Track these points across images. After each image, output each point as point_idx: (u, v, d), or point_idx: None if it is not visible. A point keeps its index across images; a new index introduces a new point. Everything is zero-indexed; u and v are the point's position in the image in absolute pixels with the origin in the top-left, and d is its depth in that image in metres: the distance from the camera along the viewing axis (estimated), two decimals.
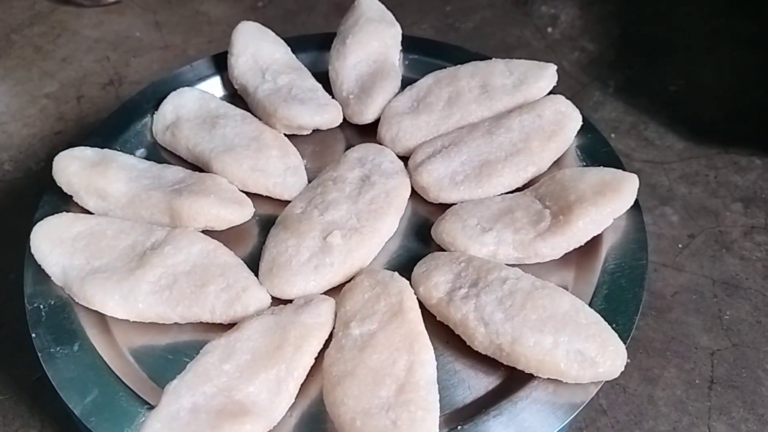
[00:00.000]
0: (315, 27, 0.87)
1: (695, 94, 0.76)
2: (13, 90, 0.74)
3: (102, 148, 0.60)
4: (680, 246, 0.63)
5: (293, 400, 0.46)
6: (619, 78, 0.78)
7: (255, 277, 0.53)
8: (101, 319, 0.51)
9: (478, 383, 0.48)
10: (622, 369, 0.45)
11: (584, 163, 0.60)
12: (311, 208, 0.56)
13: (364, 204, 0.56)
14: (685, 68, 0.79)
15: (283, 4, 0.81)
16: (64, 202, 0.57)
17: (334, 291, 0.52)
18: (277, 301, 0.52)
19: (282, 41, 0.70)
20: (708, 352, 0.57)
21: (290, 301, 0.51)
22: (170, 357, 0.50)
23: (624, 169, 0.57)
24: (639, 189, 0.54)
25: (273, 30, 0.70)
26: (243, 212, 0.56)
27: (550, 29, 0.84)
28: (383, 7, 0.72)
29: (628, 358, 0.46)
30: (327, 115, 0.62)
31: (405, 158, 0.61)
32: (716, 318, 0.59)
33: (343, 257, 0.53)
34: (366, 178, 0.58)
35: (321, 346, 0.48)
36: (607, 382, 0.46)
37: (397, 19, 0.71)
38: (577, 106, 0.61)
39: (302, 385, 0.47)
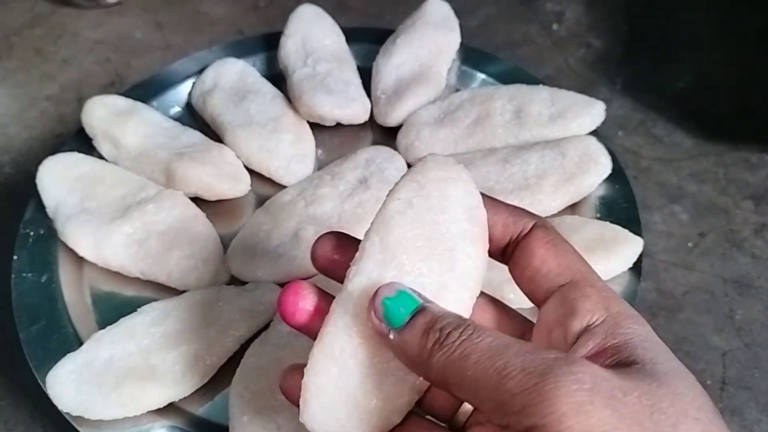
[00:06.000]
0: None
1: (703, 91, 0.73)
2: (14, 92, 0.74)
3: (142, 100, 0.63)
4: (690, 245, 0.60)
5: (205, 380, 0.46)
6: (626, 75, 0.75)
7: (222, 253, 0.53)
8: (77, 258, 0.53)
9: None
10: None
11: (599, 215, 0.54)
12: (299, 198, 0.55)
13: (351, 206, 0.54)
14: (693, 64, 0.76)
15: (285, 4, 0.77)
16: (87, 144, 0.60)
17: None
18: (238, 282, 0.52)
19: (339, 29, 0.69)
20: (720, 353, 0.54)
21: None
22: (126, 311, 0.49)
23: (640, 233, 0.51)
24: (648, 187, 0.50)
25: (273, 30, 0.69)
26: (236, 187, 0.57)
27: (555, 26, 0.80)
28: (451, 13, 0.69)
29: None
30: (349, 110, 0.61)
31: None
32: (728, 318, 0.56)
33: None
34: (364, 180, 0.56)
35: (252, 335, 0.48)
36: None
37: (402, 16, 0.69)
38: None
39: (227, 370, 0.46)
